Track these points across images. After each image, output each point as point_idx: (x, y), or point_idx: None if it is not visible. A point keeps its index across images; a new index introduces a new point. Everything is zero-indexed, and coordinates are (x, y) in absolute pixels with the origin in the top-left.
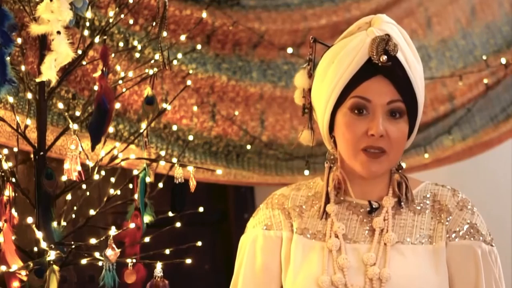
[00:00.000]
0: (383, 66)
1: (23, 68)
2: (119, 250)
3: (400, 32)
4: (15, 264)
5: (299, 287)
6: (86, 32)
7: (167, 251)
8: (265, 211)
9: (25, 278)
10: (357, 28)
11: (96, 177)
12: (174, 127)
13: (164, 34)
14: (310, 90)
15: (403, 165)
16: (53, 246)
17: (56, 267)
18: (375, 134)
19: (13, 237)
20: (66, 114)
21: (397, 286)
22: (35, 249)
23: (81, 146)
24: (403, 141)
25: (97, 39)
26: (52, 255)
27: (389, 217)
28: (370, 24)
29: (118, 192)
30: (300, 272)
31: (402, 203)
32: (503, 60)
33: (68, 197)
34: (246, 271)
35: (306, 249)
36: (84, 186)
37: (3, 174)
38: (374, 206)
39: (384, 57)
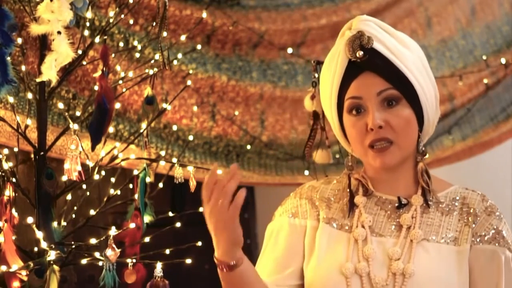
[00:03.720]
0: (363, 61)
1: (23, 68)
2: (119, 250)
3: (377, 24)
4: (15, 264)
5: (322, 273)
6: (86, 32)
7: (167, 251)
8: (293, 200)
9: (25, 278)
10: (343, 34)
11: (96, 177)
12: (174, 127)
13: (164, 34)
14: (322, 111)
15: (425, 152)
16: (53, 246)
17: (56, 267)
18: (372, 127)
19: (13, 237)
20: (66, 114)
21: (419, 283)
22: (35, 249)
23: (81, 146)
24: (407, 126)
25: (97, 39)
26: (52, 255)
27: (417, 214)
28: (350, 27)
29: (118, 192)
30: (324, 259)
31: (430, 203)
32: (503, 60)
33: (68, 197)
34: (269, 254)
35: (332, 239)
36: (84, 186)
37: (3, 174)
38: (403, 202)
39: (360, 53)
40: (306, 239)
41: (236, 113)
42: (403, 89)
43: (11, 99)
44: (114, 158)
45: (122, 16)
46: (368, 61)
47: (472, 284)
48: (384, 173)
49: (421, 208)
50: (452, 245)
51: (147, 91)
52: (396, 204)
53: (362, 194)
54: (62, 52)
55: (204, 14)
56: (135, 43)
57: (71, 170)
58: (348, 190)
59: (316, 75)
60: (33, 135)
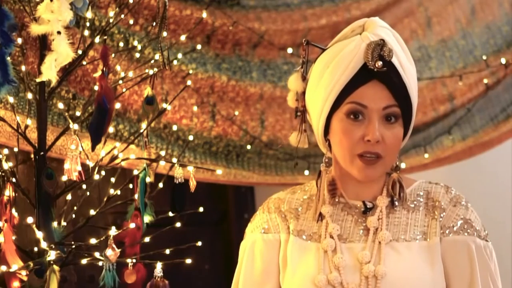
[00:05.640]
0: (378, 71)
1: (23, 68)
2: (119, 250)
3: (394, 36)
4: (15, 264)
5: (296, 287)
6: (86, 32)
7: (167, 251)
8: (262, 215)
9: (25, 278)
10: (350, 31)
11: (96, 177)
12: (174, 127)
13: (164, 34)
14: (303, 93)
15: (403, 165)
16: (53, 246)
17: (56, 267)
18: (371, 140)
19: (13, 237)
20: (66, 114)
21: (392, 283)
22: (35, 249)
23: (81, 146)
24: (398, 145)
25: (97, 39)
26: (52, 255)
27: (383, 216)
28: (363, 28)
29: (118, 192)
30: (296, 272)
31: (395, 202)
32: (503, 60)
33: (68, 197)
34: (246, 273)
35: (302, 250)
36: (84, 186)
37: (3, 174)
38: (368, 207)
39: (380, 63)
40: (281, 253)
41: (236, 113)
42: (404, 108)
43: (11, 99)
44: (114, 158)
45: (122, 16)
46: (383, 73)
47: (447, 276)
48: (357, 182)
49: (387, 209)
50: (422, 241)
51: (147, 91)
52: (362, 209)
53: (328, 203)
54: (62, 52)
55: (204, 14)
56: (135, 43)
57: (71, 170)
58: (322, 193)
59: (304, 54)
60: (33, 135)
